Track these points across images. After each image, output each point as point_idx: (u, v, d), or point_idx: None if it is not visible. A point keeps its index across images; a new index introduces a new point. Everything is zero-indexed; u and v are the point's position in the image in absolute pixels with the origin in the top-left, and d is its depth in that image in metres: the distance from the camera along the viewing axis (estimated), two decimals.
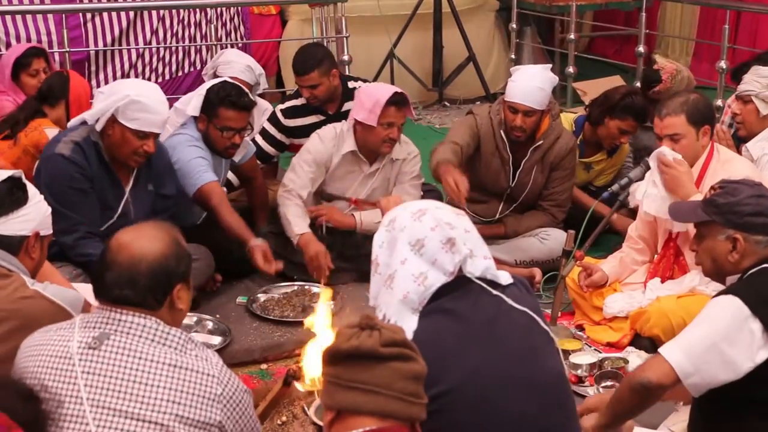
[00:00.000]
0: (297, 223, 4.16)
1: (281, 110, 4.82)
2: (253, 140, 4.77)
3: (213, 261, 4.04)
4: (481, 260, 2.19)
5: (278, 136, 4.73)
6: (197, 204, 4.14)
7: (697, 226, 2.65)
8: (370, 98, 4.14)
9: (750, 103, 4.18)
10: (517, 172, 4.44)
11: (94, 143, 3.67)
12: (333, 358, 1.87)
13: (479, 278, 2.17)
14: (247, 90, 4.66)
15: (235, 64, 4.85)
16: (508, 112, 4.31)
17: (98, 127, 3.65)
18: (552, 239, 4.42)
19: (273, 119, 4.82)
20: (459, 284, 2.16)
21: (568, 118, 4.91)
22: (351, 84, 4.78)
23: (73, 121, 3.81)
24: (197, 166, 4.04)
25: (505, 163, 4.43)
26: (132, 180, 3.80)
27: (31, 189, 2.66)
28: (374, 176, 4.32)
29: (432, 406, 1.98)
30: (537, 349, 2.17)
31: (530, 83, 4.27)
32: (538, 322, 2.20)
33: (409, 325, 2.11)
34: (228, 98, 4.07)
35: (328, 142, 4.29)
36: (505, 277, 2.22)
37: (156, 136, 3.72)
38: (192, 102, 4.19)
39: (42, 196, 2.70)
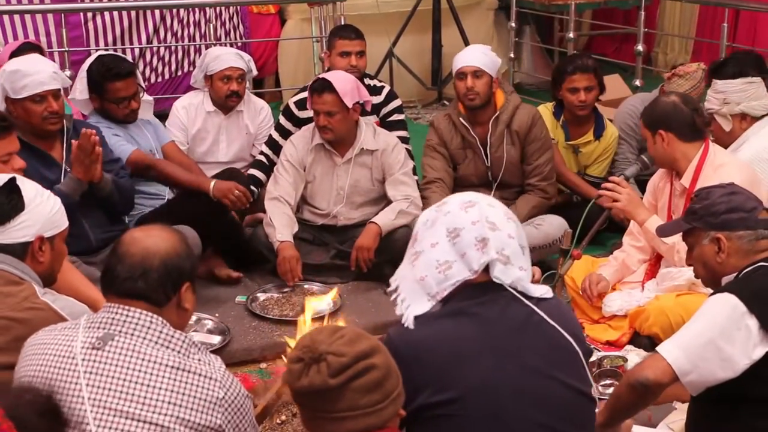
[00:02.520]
0: (281, 230, 4.19)
1: (294, 102, 4.79)
2: (269, 136, 4.77)
3: (198, 240, 3.83)
4: (515, 270, 2.13)
5: (294, 129, 4.70)
6: (137, 176, 4.15)
7: (685, 239, 2.68)
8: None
9: (714, 121, 4.06)
10: (487, 150, 4.50)
11: None
12: (293, 394, 1.88)
13: (511, 287, 2.13)
14: (239, 74, 4.72)
15: (224, 56, 4.80)
16: (458, 83, 4.46)
17: None
18: (547, 224, 4.44)
19: (287, 113, 4.78)
20: (490, 289, 2.12)
21: (548, 107, 4.98)
22: (366, 81, 4.78)
23: None
24: (116, 145, 4.09)
25: (474, 147, 4.52)
26: (63, 152, 3.75)
27: (29, 192, 2.54)
28: (350, 165, 4.34)
29: (441, 410, 1.98)
30: (559, 366, 2.11)
31: (472, 50, 4.60)
32: (568, 339, 2.13)
33: (418, 308, 2.10)
34: (109, 72, 4.09)
35: (299, 143, 4.38)
36: (540, 291, 2.18)
37: (54, 93, 3.66)
38: (77, 87, 4.21)
39: (44, 197, 2.58)
